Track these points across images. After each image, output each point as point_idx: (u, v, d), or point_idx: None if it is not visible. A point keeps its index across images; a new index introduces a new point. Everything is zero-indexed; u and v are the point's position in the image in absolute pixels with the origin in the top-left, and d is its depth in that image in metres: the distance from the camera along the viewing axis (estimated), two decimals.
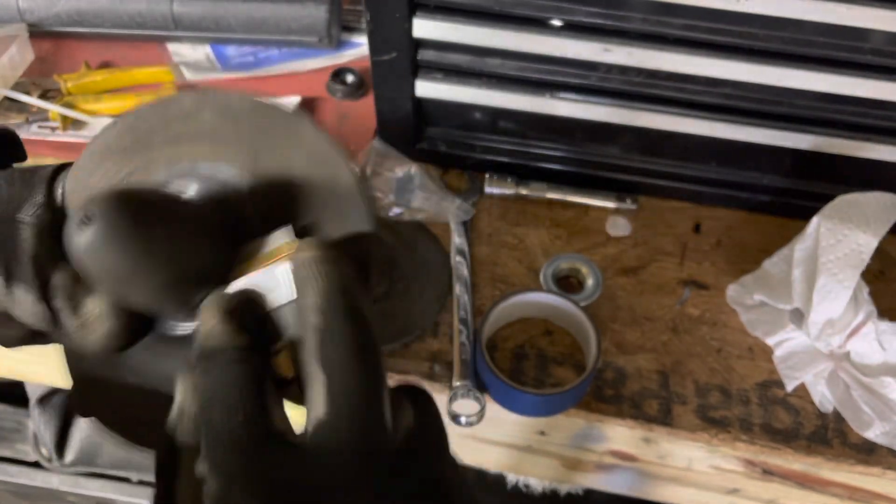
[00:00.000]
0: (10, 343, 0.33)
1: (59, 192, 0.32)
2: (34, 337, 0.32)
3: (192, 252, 0.28)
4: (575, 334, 0.61)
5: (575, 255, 0.66)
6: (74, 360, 0.33)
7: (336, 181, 0.30)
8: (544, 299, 0.60)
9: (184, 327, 0.32)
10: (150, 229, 0.27)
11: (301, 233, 0.30)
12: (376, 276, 0.64)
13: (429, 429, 0.28)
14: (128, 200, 0.26)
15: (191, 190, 0.31)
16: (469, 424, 0.56)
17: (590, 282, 0.64)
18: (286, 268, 0.27)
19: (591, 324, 0.57)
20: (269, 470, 0.23)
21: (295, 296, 0.27)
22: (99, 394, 0.33)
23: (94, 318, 0.30)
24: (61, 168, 0.33)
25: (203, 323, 0.26)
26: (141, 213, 0.27)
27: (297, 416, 0.26)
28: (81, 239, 0.26)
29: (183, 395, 0.27)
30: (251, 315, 0.27)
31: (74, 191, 0.32)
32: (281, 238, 0.29)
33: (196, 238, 0.28)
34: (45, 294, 0.30)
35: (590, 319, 0.57)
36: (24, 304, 0.30)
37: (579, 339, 0.60)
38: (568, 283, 0.66)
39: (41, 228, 0.31)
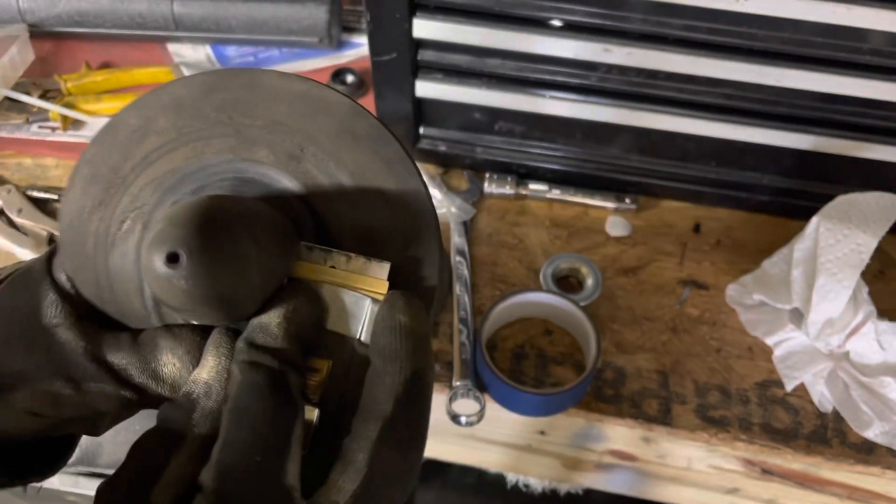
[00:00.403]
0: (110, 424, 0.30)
1: (63, 278, 0.29)
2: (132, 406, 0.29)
3: (274, 257, 0.25)
4: (575, 334, 0.61)
5: (575, 254, 0.66)
6: None
7: (420, 234, 0.27)
8: (544, 299, 0.60)
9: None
10: (238, 245, 0.24)
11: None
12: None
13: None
14: (211, 222, 0.23)
15: (248, 191, 0.27)
16: (469, 424, 0.56)
17: (589, 282, 0.64)
18: (371, 306, 0.25)
19: (590, 324, 0.57)
20: None
21: (365, 338, 0.25)
22: None
23: (179, 373, 0.27)
24: (51, 254, 0.29)
25: (271, 324, 0.25)
26: (226, 230, 0.23)
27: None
28: (173, 280, 0.23)
29: (211, 374, 0.25)
30: (314, 332, 0.26)
31: (78, 270, 0.29)
32: (373, 269, 0.26)
33: (273, 241, 0.25)
34: (119, 379, 0.27)
35: (589, 319, 0.57)
36: (106, 401, 0.27)
37: (579, 339, 0.60)
38: (567, 284, 0.66)
39: (73, 320, 0.28)
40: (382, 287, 0.26)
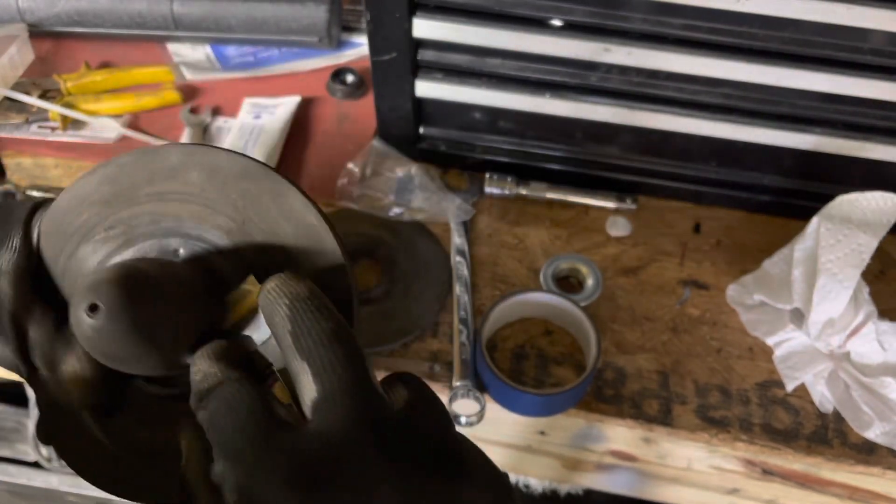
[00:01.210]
0: None
1: (35, 232, 0.32)
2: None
3: (189, 316, 0.29)
4: (575, 334, 0.61)
5: (575, 255, 0.66)
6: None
7: (321, 255, 0.31)
8: (544, 299, 0.60)
9: (163, 389, 0.33)
10: (153, 308, 0.27)
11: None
12: (379, 278, 0.63)
13: (425, 397, 0.28)
14: (132, 284, 0.27)
15: (175, 246, 0.31)
16: (469, 424, 0.56)
17: (590, 282, 0.64)
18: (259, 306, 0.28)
19: (591, 324, 0.57)
20: (284, 449, 0.24)
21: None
22: (67, 425, 0.32)
23: (71, 378, 0.30)
24: (38, 207, 0.32)
25: (196, 371, 0.27)
26: (144, 293, 0.27)
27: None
28: (87, 327, 0.26)
29: (188, 441, 0.27)
30: (240, 354, 0.28)
31: (51, 234, 0.32)
32: (250, 284, 0.30)
33: (190, 302, 0.29)
34: (23, 348, 0.30)
35: (590, 319, 0.57)
36: (2, 358, 0.30)
37: (579, 339, 0.60)
38: (567, 284, 0.66)
39: (18, 276, 0.30)
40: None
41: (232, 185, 0.31)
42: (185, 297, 0.29)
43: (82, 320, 0.26)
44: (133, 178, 0.31)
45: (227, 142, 0.74)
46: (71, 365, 0.30)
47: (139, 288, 0.27)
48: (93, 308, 0.26)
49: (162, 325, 0.27)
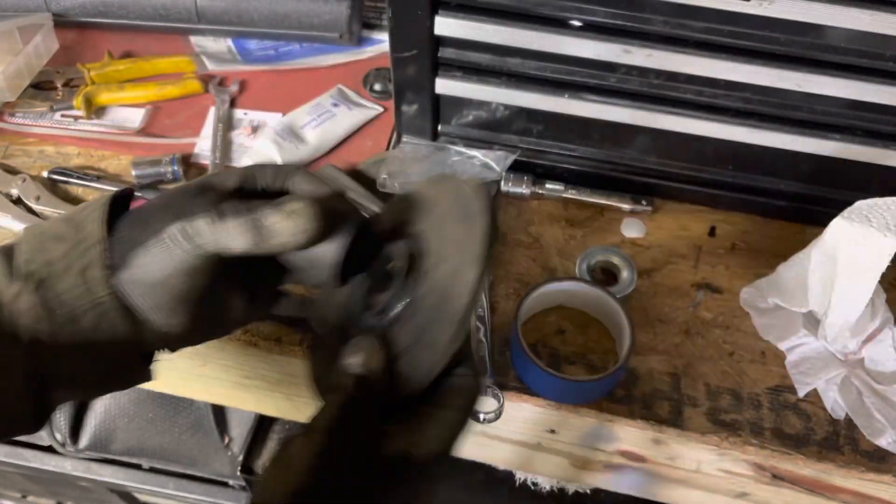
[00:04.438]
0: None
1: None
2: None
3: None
4: (608, 325, 0.61)
5: (611, 247, 0.66)
6: None
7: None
8: (581, 289, 0.61)
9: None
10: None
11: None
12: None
13: None
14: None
15: None
16: (487, 421, 0.57)
17: (625, 274, 0.64)
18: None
19: (625, 315, 0.57)
20: None
21: None
22: None
23: (293, 209, 0.38)
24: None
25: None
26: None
27: None
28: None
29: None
30: None
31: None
32: None
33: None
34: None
35: (625, 311, 0.58)
36: (235, 227, 0.38)
37: (612, 330, 0.61)
38: (601, 276, 0.66)
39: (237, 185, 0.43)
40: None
41: None
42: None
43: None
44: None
45: (301, 111, 0.76)
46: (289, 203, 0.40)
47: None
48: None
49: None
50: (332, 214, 0.40)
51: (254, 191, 0.43)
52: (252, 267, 0.44)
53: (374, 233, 0.44)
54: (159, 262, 0.39)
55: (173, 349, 0.44)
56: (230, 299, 0.44)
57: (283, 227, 0.38)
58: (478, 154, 0.69)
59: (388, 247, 0.44)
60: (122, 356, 0.41)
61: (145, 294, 0.40)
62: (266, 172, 0.43)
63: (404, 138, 0.72)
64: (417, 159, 0.70)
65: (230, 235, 0.38)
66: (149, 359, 0.44)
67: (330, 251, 0.40)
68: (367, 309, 0.44)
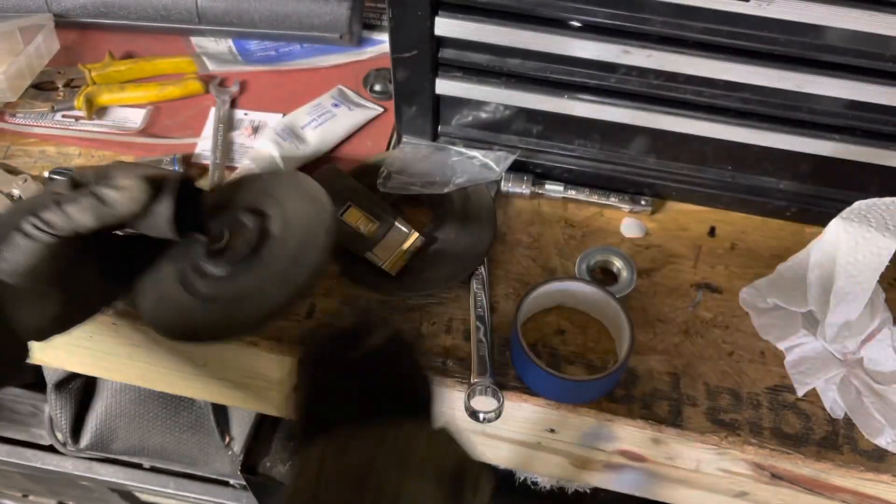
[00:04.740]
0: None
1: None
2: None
3: None
4: (608, 325, 0.61)
5: (610, 248, 0.66)
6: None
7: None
8: (581, 289, 0.61)
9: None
10: None
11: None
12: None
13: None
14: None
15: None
16: (487, 421, 0.57)
17: (625, 274, 0.64)
18: None
19: (625, 315, 0.57)
20: None
21: None
22: None
23: (123, 185, 0.47)
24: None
25: None
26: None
27: None
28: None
29: None
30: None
31: None
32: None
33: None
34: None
35: (625, 311, 0.58)
36: (82, 208, 0.46)
37: (612, 330, 0.61)
38: (600, 276, 0.66)
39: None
40: None
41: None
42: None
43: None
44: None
45: (301, 111, 0.77)
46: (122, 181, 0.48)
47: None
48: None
49: None
50: (154, 178, 0.49)
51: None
52: (108, 247, 0.53)
53: (198, 190, 0.54)
54: (24, 253, 0.46)
55: (45, 335, 0.50)
56: (93, 279, 0.52)
57: (120, 198, 0.47)
58: (477, 154, 0.70)
59: (225, 215, 0.55)
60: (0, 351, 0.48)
61: (18, 282, 0.46)
62: (87, 173, 0.49)
63: (404, 138, 0.72)
64: (417, 159, 0.70)
65: (78, 215, 0.46)
66: (24, 351, 0.50)
67: (163, 209, 0.49)
68: (210, 259, 0.54)
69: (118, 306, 0.62)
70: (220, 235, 0.54)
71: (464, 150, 0.70)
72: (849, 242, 0.54)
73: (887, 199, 0.56)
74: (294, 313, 0.63)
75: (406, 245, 0.64)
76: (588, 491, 0.86)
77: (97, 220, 0.47)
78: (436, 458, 0.41)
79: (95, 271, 0.52)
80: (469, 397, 0.56)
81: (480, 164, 0.70)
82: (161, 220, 0.49)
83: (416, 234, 0.65)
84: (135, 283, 0.56)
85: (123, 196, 0.47)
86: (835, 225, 0.56)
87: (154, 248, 0.56)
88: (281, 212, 0.54)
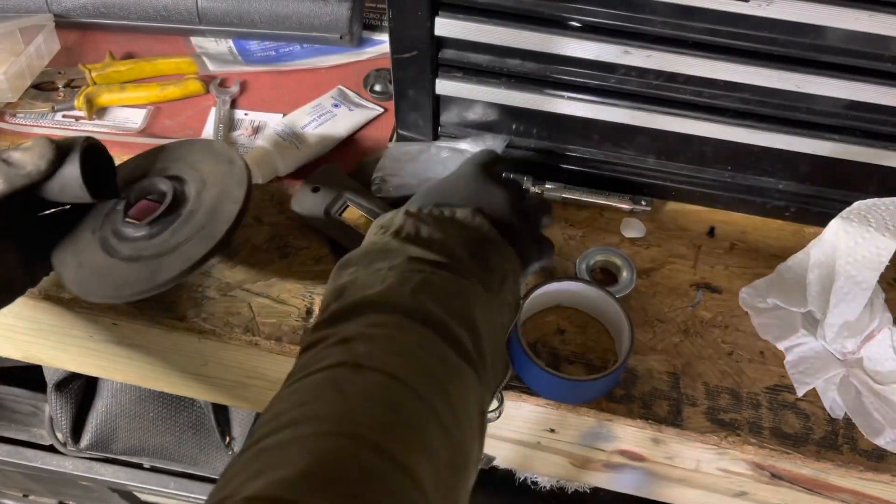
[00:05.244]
0: None
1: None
2: None
3: None
4: (608, 325, 0.61)
5: (610, 248, 0.66)
6: None
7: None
8: (581, 289, 0.61)
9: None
10: None
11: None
12: None
13: None
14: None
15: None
16: (487, 421, 0.57)
17: (625, 274, 0.64)
18: None
19: (625, 315, 0.58)
20: None
21: None
22: None
23: (28, 145, 0.50)
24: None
25: None
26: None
27: None
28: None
29: None
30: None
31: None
32: None
33: None
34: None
35: (624, 311, 0.58)
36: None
37: (612, 330, 0.61)
38: (600, 276, 0.66)
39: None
40: None
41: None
42: None
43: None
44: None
45: (301, 111, 0.77)
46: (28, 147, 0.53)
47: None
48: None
49: None
50: (61, 141, 0.52)
51: None
52: (28, 229, 0.56)
53: (110, 157, 0.59)
54: None
55: None
56: (14, 262, 0.54)
57: (26, 158, 0.49)
58: (466, 147, 0.69)
59: (143, 182, 0.60)
60: None
61: None
62: None
63: (392, 143, 0.71)
64: (408, 160, 0.69)
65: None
66: None
67: (71, 169, 0.52)
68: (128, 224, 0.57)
69: (42, 285, 0.63)
70: (137, 199, 0.59)
71: (451, 143, 0.70)
72: (848, 242, 0.54)
73: (887, 199, 0.56)
74: (294, 313, 0.63)
75: None
76: (588, 491, 0.86)
77: (6, 183, 0.49)
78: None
79: (16, 255, 0.55)
80: None
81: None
82: (71, 180, 0.52)
83: None
84: (55, 256, 0.58)
85: (30, 156, 0.50)
86: (835, 225, 0.56)
87: (73, 223, 0.59)
88: (196, 175, 0.59)
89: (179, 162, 0.61)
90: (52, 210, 0.58)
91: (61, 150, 0.52)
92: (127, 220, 0.58)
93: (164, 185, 0.58)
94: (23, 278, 0.57)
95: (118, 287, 0.55)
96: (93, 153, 0.55)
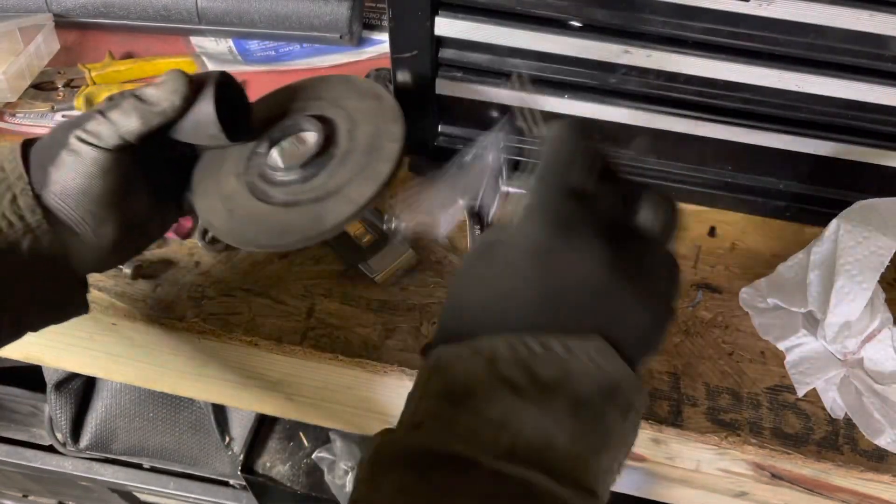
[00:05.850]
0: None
1: None
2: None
3: None
4: None
5: None
6: None
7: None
8: None
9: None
10: None
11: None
12: None
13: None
14: None
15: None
16: None
17: None
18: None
19: None
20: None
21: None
22: None
23: (161, 80, 0.46)
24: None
25: None
26: None
27: None
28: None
29: None
30: None
31: None
32: None
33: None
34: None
35: None
36: (123, 111, 0.45)
37: None
38: None
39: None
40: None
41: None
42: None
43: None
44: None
45: None
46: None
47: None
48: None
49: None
50: (193, 78, 0.48)
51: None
52: (161, 165, 0.52)
53: (245, 96, 0.54)
54: (73, 171, 0.44)
55: (105, 267, 0.50)
56: (147, 200, 0.50)
57: (160, 93, 0.45)
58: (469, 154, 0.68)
59: (285, 122, 0.55)
60: (59, 282, 0.46)
61: (71, 205, 0.45)
62: (126, 90, 0.49)
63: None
64: (423, 194, 0.68)
65: (122, 119, 0.45)
66: (83, 286, 0.49)
67: (205, 107, 0.48)
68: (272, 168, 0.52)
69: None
70: (278, 141, 0.54)
71: (459, 160, 0.69)
72: (849, 242, 0.54)
73: (887, 199, 0.56)
74: (294, 313, 0.63)
75: (399, 260, 0.64)
76: None
77: (141, 121, 0.45)
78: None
79: (150, 191, 0.50)
80: None
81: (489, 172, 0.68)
82: (206, 118, 0.48)
83: (410, 251, 0.64)
84: (197, 203, 0.53)
85: (163, 90, 0.46)
86: (835, 225, 0.56)
87: (203, 166, 0.54)
88: (342, 113, 0.54)
89: (320, 100, 0.56)
90: (180, 152, 0.53)
91: (195, 84, 0.47)
92: (274, 164, 0.53)
93: (311, 125, 0.53)
94: (156, 221, 0.53)
95: (281, 234, 0.50)
96: (226, 90, 0.50)
